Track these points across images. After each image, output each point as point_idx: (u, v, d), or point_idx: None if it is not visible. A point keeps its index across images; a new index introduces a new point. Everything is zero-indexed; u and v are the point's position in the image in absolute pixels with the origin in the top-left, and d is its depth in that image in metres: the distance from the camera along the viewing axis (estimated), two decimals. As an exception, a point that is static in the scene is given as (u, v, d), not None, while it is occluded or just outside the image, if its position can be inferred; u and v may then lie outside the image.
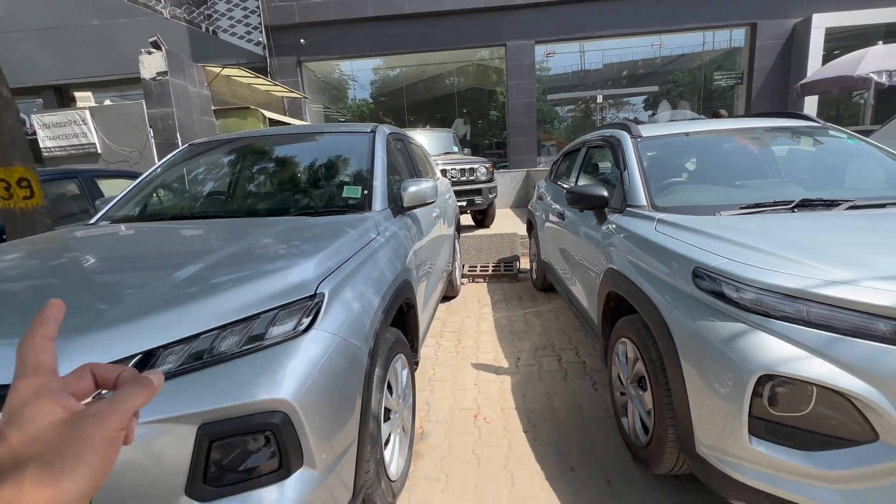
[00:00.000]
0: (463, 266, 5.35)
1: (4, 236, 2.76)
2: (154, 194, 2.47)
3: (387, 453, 1.67)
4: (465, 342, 3.41)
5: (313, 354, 1.15)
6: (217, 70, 7.41)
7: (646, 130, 2.62)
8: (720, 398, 1.33)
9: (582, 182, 3.26)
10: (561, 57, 11.07)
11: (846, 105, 9.82)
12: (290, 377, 1.08)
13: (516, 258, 5.53)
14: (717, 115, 6.99)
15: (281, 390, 1.05)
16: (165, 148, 6.48)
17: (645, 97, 12.06)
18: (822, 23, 8.85)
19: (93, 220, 2.27)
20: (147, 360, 1.01)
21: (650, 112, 11.84)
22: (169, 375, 1.01)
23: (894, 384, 1.10)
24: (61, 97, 11.25)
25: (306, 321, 1.19)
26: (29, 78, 10.60)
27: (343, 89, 12.57)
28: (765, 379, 1.23)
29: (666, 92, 11.46)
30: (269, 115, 7.55)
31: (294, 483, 1.09)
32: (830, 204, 1.82)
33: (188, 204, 2.38)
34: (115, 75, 10.52)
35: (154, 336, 1.02)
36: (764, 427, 1.27)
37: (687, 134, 2.60)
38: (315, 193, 2.27)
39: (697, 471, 1.49)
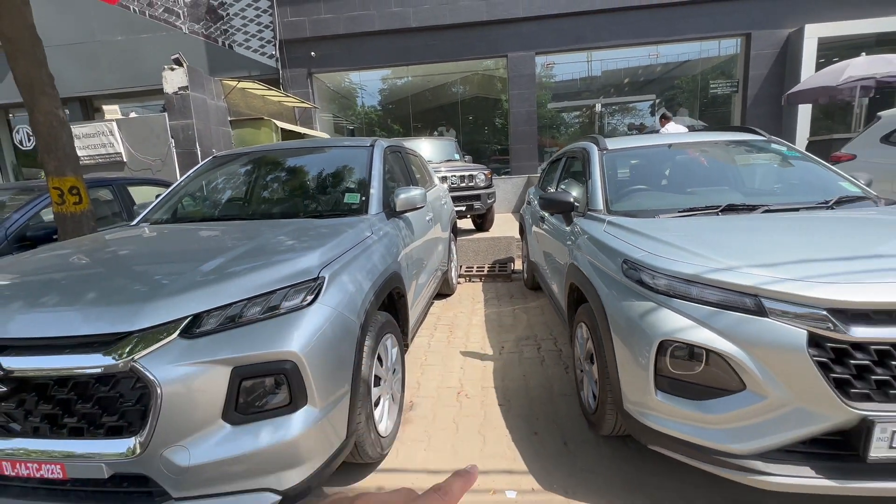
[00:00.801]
0: (460, 267, 5.71)
1: (55, 237, 3.20)
2: (183, 201, 2.88)
3: (377, 412, 2.03)
4: (457, 333, 3.77)
5: (316, 321, 1.53)
6: (233, 84, 7.90)
7: (612, 143, 2.97)
8: (636, 363, 1.68)
9: (560, 188, 3.61)
10: (563, 66, 11.44)
11: (838, 113, 10.00)
12: (298, 336, 1.45)
13: (511, 260, 5.88)
14: (664, 118, 7.44)
15: (291, 345, 1.42)
16: (185, 157, 6.96)
17: (650, 103, 12.39)
18: (814, 33, 9.11)
19: (134, 223, 2.69)
20: (196, 320, 1.39)
21: (661, 114, 12.15)
22: (210, 331, 1.39)
23: (755, 346, 1.44)
24: (86, 108, 11.91)
25: (310, 297, 1.57)
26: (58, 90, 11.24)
27: (352, 98, 13.04)
28: (665, 343, 1.58)
29: (671, 98, 11.78)
30: (281, 125, 8.01)
31: (300, 416, 1.46)
32: (751, 208, 2.16)
33: (213, 208, 2.79)
34: (136, 87, 11.14)
35: (200, 303, 1.40)
36: (667, 383, 1.61)
37: (648, 147, 2.95)
38: (321, 199, 2.67)
39: (626, 425, 1.83)
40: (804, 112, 9.45)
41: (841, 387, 1.37)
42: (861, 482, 1.38)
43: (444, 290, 4.66)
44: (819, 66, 8.98)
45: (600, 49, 10.53)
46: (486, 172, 6.69)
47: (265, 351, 1.39)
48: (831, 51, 9.44)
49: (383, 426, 2.08)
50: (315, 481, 1.54)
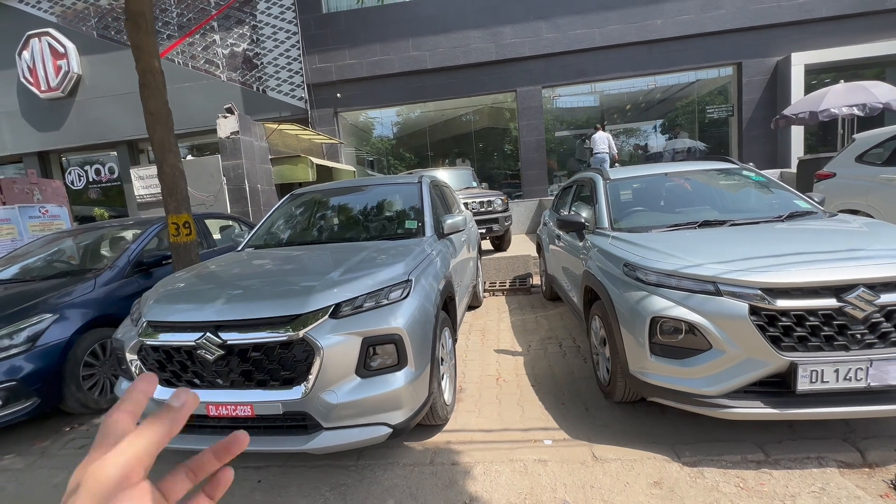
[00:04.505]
0: (485, 283, 6.38)
1: (164, 262, 3.96)
2: (271, 229, 3.64)
3: (443, 384, 2.69)
4: (489, 337, 4.41)
5: (410, 308, 2.22)
6: (274, 126, 8.85)
7: (614, 174, 3.68)
8: (636, 337, 2.33)
9: (573, 211, 4.31)
10: (570, 97, 12.30)
11: (825, 134, 10.60)
12: (401, 318, 2.15)
13: (529, 275, 6.54)
14: (595, 128, 9.01)
15: (398, 323, 2.11)
16: (235, 192, 7.83)
17: (653, 125, 13.23)
18: (800, 60, 9.86)
19: (239, 248, 3.44)
20: (337, 307, 2.09)
21: (668, 136, 12.95)
22: (347, 314, 2.09)
23: (716, 317, 2.08)
24: (132, 150, 13.08)
25: (406, 292, 2.27)
26: (108, 135, 12.46)
27: (372, 132, 14.06)
28: (656, 319, 2.23)
29: (672, 120, 12.57)
30: (316, 161, 8.89)
31: (404, 373, 2.14)
32: (721, 223, 2.83)
33: (304, 234, 3.54)
34: (178, 130, 12.24)
35: (339, 296, 2.11)
36: (659, 348, 2.26)
37: (643, 176, 3.65)
38: (388, 225, 3.41)
39: (632, 384, 2.46)
40: (797, 133, 10.11)
41: (774, 342, 2.01)
42: (794, 409, 2.00)
43: (473, 303, 5.32)
44: (809, 88, 9.68)
45: (602, 81, 11.39)
46: (502, 198, 7.40)
47: (383, 327, 2.09)
48: (821, 74, 10.17)
49: (447, 395, 2.73)
50: (411, 423, 2.20)
